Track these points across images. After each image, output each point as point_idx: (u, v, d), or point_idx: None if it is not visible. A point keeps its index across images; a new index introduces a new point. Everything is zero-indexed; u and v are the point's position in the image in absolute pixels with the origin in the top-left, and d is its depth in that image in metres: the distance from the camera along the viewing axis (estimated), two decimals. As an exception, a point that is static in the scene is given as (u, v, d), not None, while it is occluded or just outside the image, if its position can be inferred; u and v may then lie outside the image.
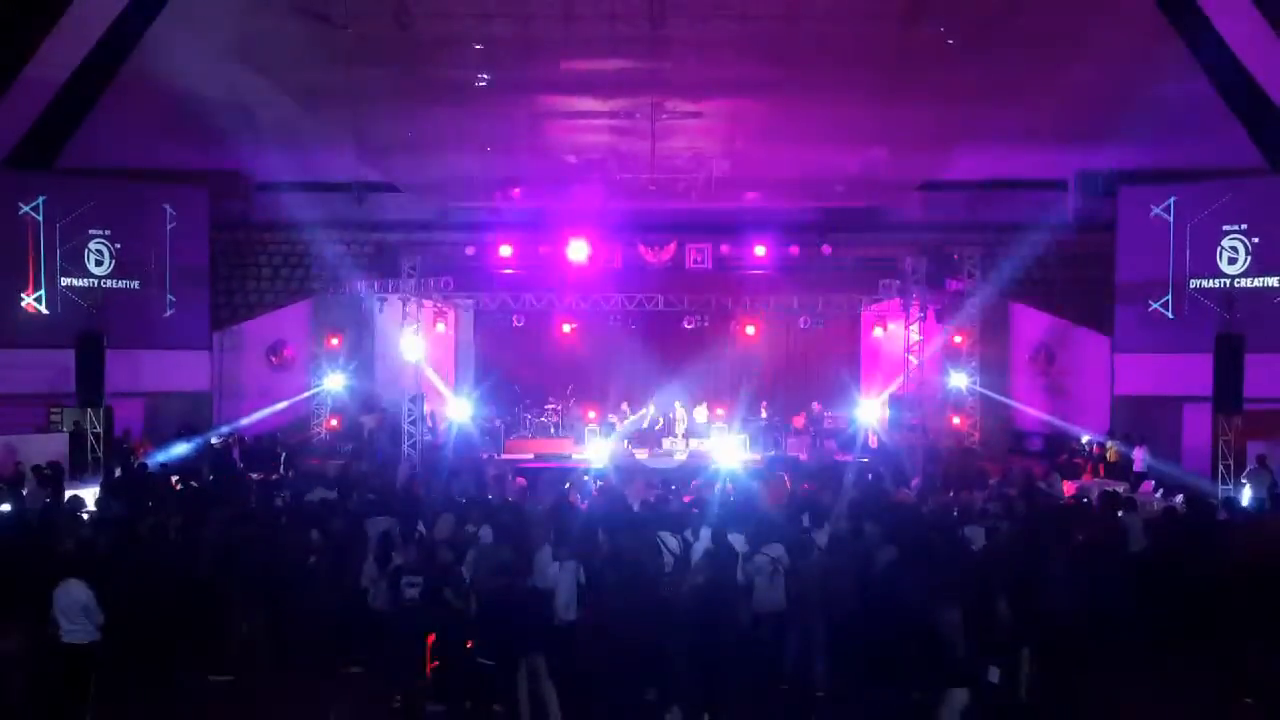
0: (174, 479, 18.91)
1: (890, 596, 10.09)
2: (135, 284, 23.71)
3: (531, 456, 24.59)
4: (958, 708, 8.99)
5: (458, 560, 11.37)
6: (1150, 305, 23.33)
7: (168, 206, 24.18)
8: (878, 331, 27.14)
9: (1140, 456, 22.40)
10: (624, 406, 26.47)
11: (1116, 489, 18.17)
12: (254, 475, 21.29)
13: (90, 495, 16.32)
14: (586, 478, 19.47)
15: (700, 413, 26.65)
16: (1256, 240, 22.24)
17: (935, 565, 10.99)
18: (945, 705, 8.98)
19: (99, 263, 23.28)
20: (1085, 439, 24.74)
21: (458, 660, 10.24)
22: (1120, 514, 14.71)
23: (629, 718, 10.13)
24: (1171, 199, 23.18)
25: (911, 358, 24.35)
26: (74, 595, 10.00)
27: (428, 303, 25.37)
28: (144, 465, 20.13)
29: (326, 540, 12.46)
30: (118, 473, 20.04)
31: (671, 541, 11.89)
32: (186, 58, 22.67)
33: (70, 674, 9.94)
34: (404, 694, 10.55)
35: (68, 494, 15.80)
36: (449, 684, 10.43)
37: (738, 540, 11.67)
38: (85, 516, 14.28)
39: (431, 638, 10.41)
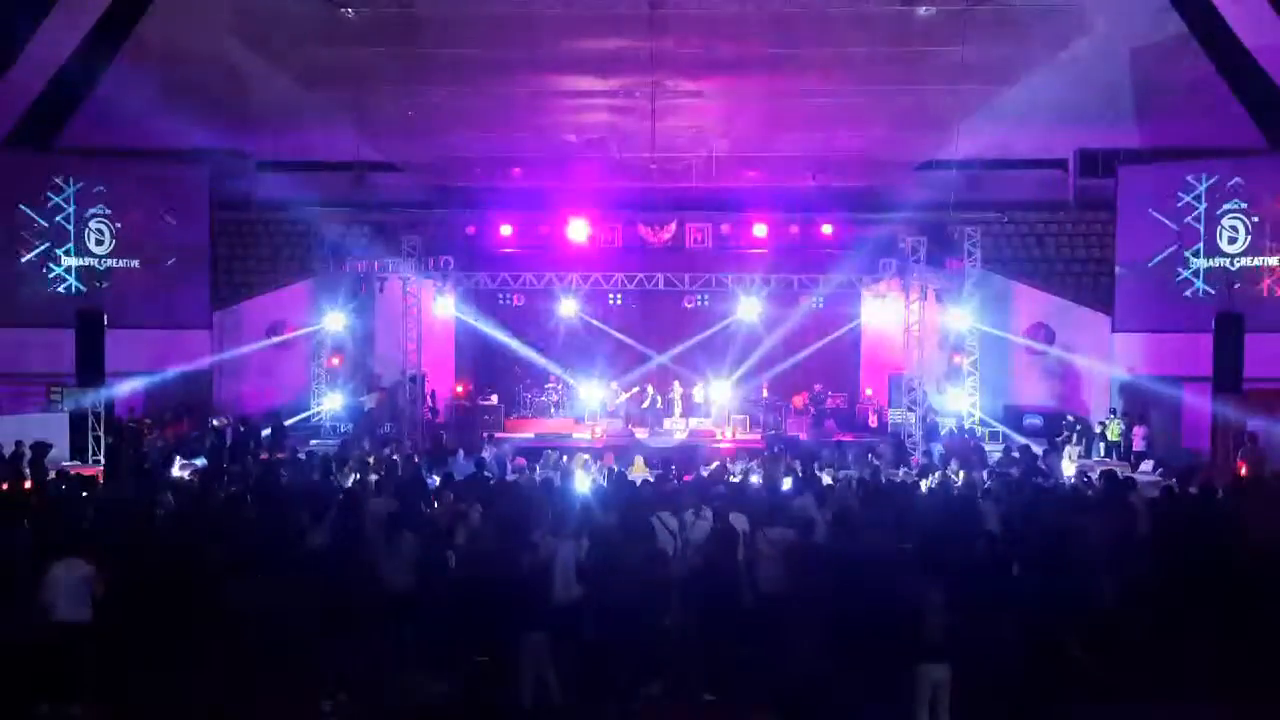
0: (177, 460, 18.95)
1: (880, 575, 10.13)
2: (135, 263, 23.68)
3: (532, 436, 24.61)
4: (934, 683, 9.06)
5: (450, 540, 11.43)
6: (1150, 284, 23.34)
7: (168, 186, 24.13)
8: (877, 311, 27.12)
9: (1140, 435, 22.44)
10: (613, 385, 26.48)
11: (1116, 469, 18.23)
12: (252, 456, 21.35)
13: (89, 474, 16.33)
14: (586, 457, 19.49)
15: (700, 392, 26.67)
16: (1256, 219, 22.24)
17: (926, 542, 11.04)
18: (921, 680, 9.06)
19: (99, 242, 23.26)
20: (1070, 417, 24.87)
21: (456, 641, 10.28)
22: (1126, 495, 14.72)
23: (630, 697, 10.17)
24: (1172, 178, 23.15)
25: (912, 337, 24.35)
26: (72, 573, 10.02)
27: (428, 282, 25.36)
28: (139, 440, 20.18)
29: (319, 521, 12.42)
30: (120, 453, 20.09)
31: (672, 521, 11.91)
32: (187, 37, 22.66)
33: (62, 653, 9.94)
34: (400, 676, 10.57)
35: (71, 472, 15.83)
36: (447, 665, 10.47)
37: (740, 520, 11.69)
38: (86, 495, 14.29)
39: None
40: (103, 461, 20.98)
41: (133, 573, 10.77)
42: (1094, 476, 16.60)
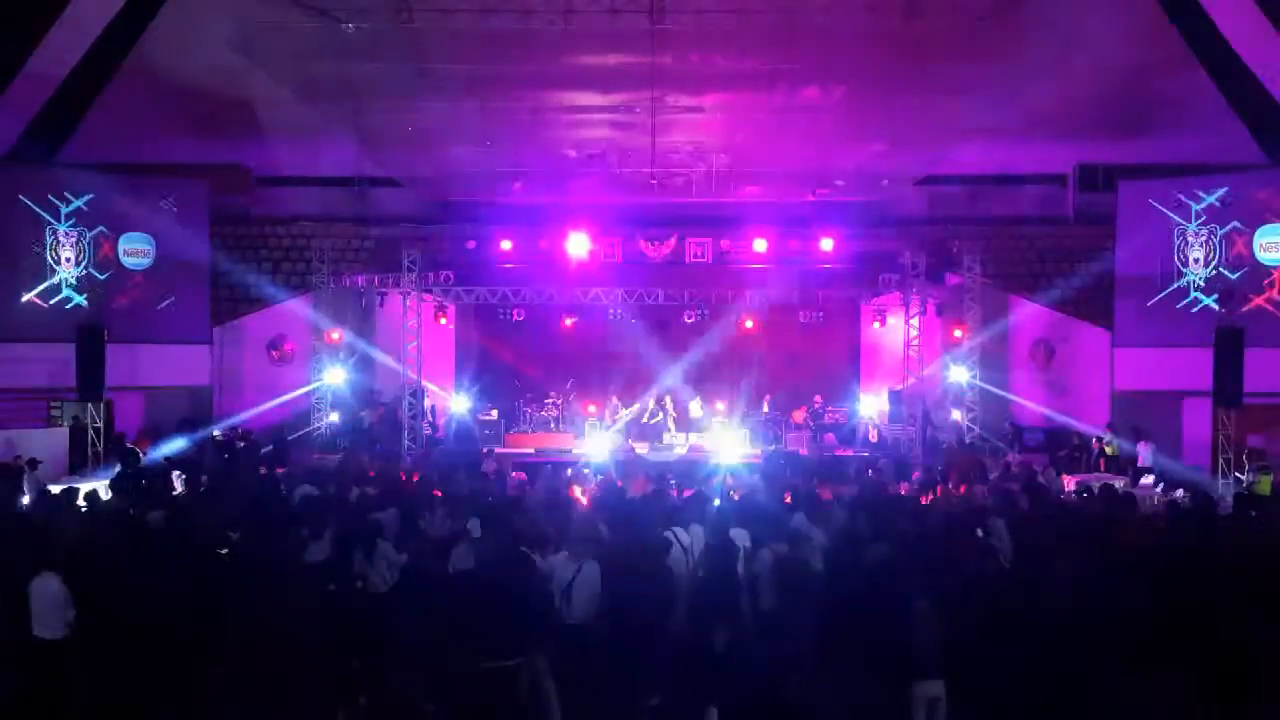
0: (175, 474, 18.90)
1: (879, 591, 10.10)
2: (136, 278, 23.72)
3: (531, 450, 24.60)
4: (928, 700, 9.03)
5: (444, 555, 11.42)
6: (1150, 299, 23.36)
7: (169, 200, 24.16)
8: (877, 325, 27.16)
9: (1145, 451, 22.38)
10: (614, 400, 26.50)
11: (1116, 484, 18.21)
12: (252, 471, 21.31)
13: (86, 488, 16.27)
14: (586, 471, 19.48)
15: (700, 407, 26.67)
16: (1256, 234, 22.26)
17: (925, 560, 11.00)
18: (916, 698, 9.03)
19: (100, 257, 23.29)
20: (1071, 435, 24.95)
21: (456, 658, 10.23)
22: (1125, 510, 14.71)
23: (629, 715, 10.12)
24: (1171, 193, 23.18)
25: (912, 352, 24.37)
26: (49, 589, 10.00)
27: (428, 296, 25.38)
28: (137, 457, 20.17)
29: (319, 536, 12.40)
30: (117, 469, 20.04)
31: (685, 537, 11.88)
32: (188, 52, 22.70)
33: (42, 671, 9.90)
34: (396, 692, 10.51)
35: (63, 486, 15.82)
36: (446, 682, 10.42)
37: (741, 535, 11.67)
38: (81, 509, 14.26)
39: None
40: (102, 476, 20.96)
41: (121, 589, 10.72)
42: (1094, 491, 16.59)
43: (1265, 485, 21.21)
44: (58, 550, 10.75)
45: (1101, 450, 23.48)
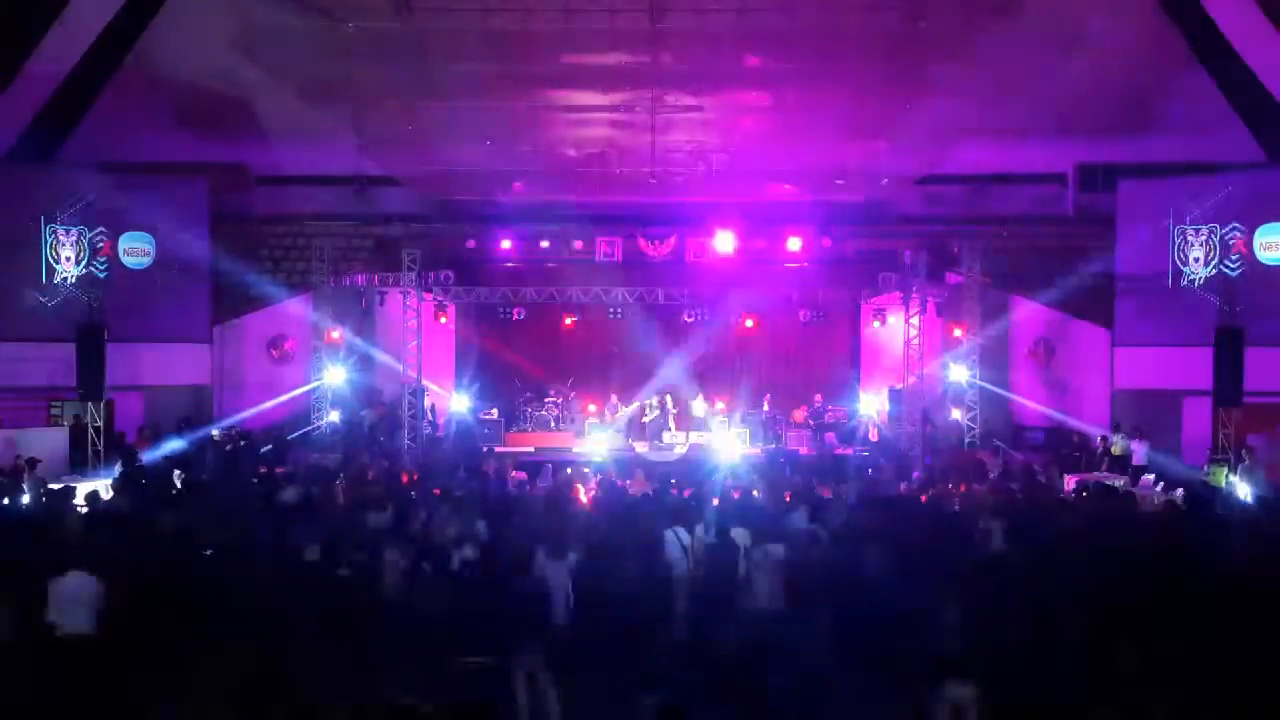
0: (175, 473, 18.89)
1: (888, 591, 10.10)
2: (136, 277, 23.72)
3: (532, 449, 24.59)
4: (955, 702, 9.01)
5: (446, 556, 11.41)
6: (1150, 299, 23.36)
7: (169, 200, 24.16)
8: (878, 324, 27.16)
9: (1140, 450, 22.38)
10: (614, 400, 26.50)
11: (1115, 483, 18.20)
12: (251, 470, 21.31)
13: (84, 489, 16.27)
14: (586, 470, 19.48)
15: (700, 406, 26.66)
16: (1256, 234, 22.26)
17: (935, 559, 11.00)
18: (942, 700, 9.01)
19: (100, 256, 23.30)
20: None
21: (449, 658, 10.24)
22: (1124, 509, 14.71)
23: (629, 714, 10.12)
24: (1171, 192, 23.18)
25: (912, 351, 24.36)
26: (74, 586, 10.01)
27: (428, 296, 25.37)
28: (136, 456, 20.20)
29: (317, 536, 12.40)
30: (118, 470, 20.07)
31: (685, 536, 11.88)
32: (188, 51, 22.71)
33: (67, 667, 9.90)
34: (394, 692, 10.50)
35: (61, 484, 15.83)
36: (439, 682, 10.41)
37: (741, 534, 11.68)
38: (83, 509, 14.26)
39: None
40: (102, 476, 20.96)
41: (135, 585, 10.73)
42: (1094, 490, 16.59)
43: (1219, 476, 21.36)
44: (82, 547, 10.78)
45: (1106, 450, 23.46)
